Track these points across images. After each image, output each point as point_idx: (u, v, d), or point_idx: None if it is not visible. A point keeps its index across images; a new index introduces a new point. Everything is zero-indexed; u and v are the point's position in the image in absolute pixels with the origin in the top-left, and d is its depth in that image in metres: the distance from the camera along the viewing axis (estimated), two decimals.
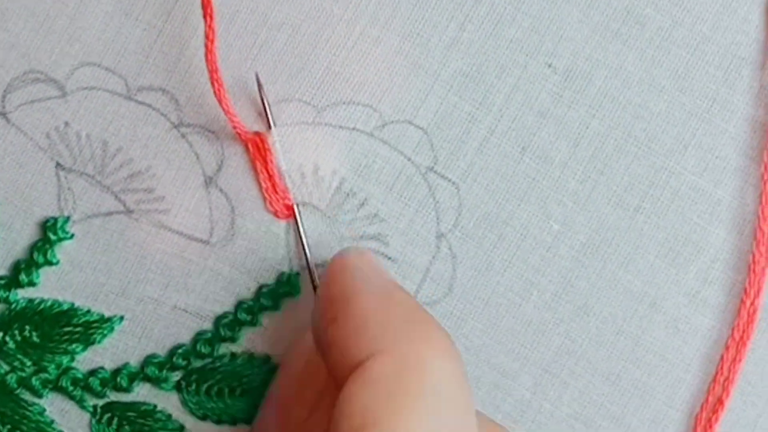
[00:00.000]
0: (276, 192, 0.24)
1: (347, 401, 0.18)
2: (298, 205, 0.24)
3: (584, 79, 0.24)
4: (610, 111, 0.24)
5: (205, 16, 0.23)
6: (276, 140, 0.24)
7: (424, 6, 0.24)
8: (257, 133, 0.24)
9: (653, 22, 0.24)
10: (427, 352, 0.18)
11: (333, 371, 0.19)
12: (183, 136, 0.24)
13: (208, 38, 0.23)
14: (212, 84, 0.23)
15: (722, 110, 0.24)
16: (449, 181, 0.24)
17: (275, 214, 0.24)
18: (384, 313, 0.19)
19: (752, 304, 0.24)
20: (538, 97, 0.24)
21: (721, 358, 0.24)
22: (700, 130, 0.24)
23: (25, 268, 0.24)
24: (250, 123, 0.24)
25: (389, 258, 0.24)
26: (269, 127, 0.24)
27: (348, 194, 0.24)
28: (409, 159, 0.24)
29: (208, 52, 0.23)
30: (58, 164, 0.24)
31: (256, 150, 0.24)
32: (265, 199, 0.24)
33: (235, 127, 0.23)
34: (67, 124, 0.24)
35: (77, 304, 0.24)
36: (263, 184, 0.24)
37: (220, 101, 0.23)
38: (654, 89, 0.24)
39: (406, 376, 0.18)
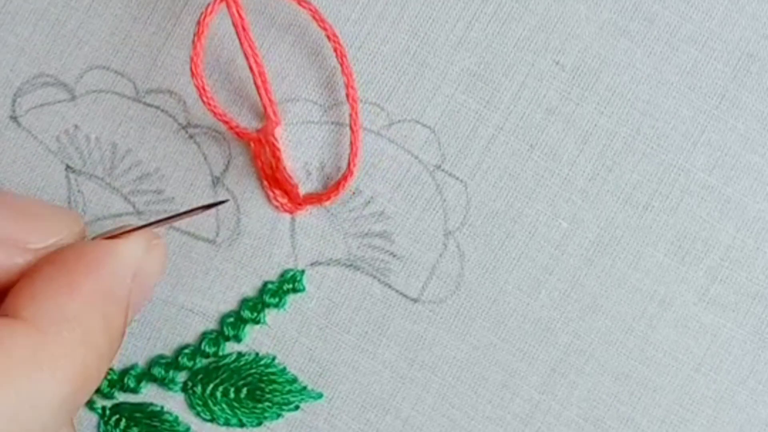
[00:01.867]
0: (280, 188, 0.24)
1: None
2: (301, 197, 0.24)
3: (592, 77, 0.24)
4: (618, 108, 0.24)
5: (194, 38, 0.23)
6: (281, 136, 0.24)
7: (431, 4, 0.24)
8: (259, 131, 0.24)
9: (661, 19, 0.24)
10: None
11: None
12: (191, 137, 0.24)
13: (195, 52, 0.23)
14: (199, 93, 0.23)
15: (731, 107, 0.24)
16: (457, 179, 0.24)
17: (280, 208, 0.24)
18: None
19: None
20: (546, 94, 0.24)
21: None
22: (709, 127, 0.24)
23: None
24: (259, 120, 0.24)
25: (395, 255, 0.24)
26: (275, 123, 0.24)
27: (354, 192, 0.24)
28: (416, 157, 0.24)
29: (193, 64, 0.23)
30: (68, 167, 0.24)
31: (259, 146, 0.24)
32: (270, 196, 0.24)
33: (230, 128, 0.23)
34: (76, 127, 0.24)
35: None
36: (267, 182, 0.24)
37: (210, 108, 0.23)
38: (662, 86, 0.24)
39: None
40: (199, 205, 0.22)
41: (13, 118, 0.24)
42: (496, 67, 0.24)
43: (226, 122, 0.23)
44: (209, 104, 0.23)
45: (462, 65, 0.24)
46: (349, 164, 0.23)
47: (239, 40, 0.23)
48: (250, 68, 0.23)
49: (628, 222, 0.24)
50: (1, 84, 0.24)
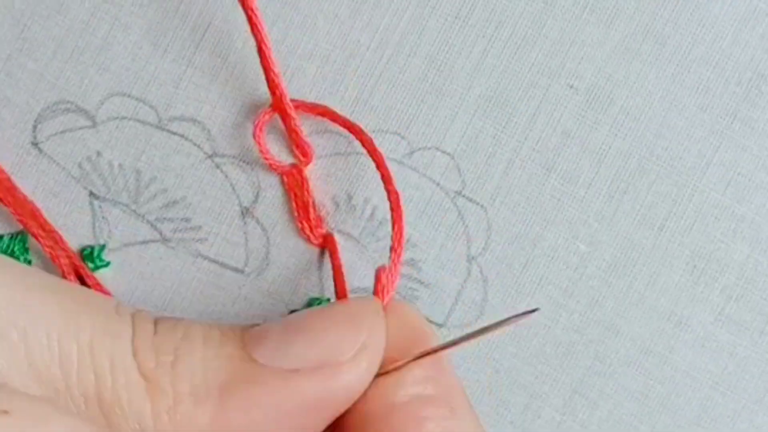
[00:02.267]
0: (310, 220, 0.24)
1: None
2: (332, 233, 0.24)
3: (606, 99, 0.24)
4: (632, 130, 0.24)
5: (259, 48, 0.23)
6: (311, 171, 0.24)
7: (447, 32, 0.24)
8: (293, 165, 0.24)
9: (673, 40, 0.24)
10: None
11: None
12: (217, 166, 0.24)
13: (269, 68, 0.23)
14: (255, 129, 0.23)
15: (743, 126, 0.24)
16: (477, 204, 0.24)
17: (308, 240, 0.24)
18: None
19: None
20: (561, 118, 0.24)
21: None
22: (722, 147, 0.24)
23: None
24: (286, 154, 0.24)
25: (422, 283, 0.24)
26: (305, 157, 0.24)
27: (381, 222, 0.24)
28: (437, 184, 0.24)
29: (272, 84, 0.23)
30: (91, 193, 0.24)
31: (292, 180, 0.24)
32: (299, 227, 0.24)
33: (269, 163, 0.24)
34: (99, 153, 0.24)
35: None
36: (297, 214, 0.24)
37: (257, 141, 0.23)
38: (675, 107, 0.24)
39: None
40: (509, 316, 0.20)
41: (35, 145, 0.24)
42: (511, 92, 0.24)
43: (269, 161, 0.23)
44: (260, 142, 0.23)
45: (478, 91, 0.24)
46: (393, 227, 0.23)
47: (268, 83, 0.23)
48: (284, 109, 0.23)
49: (644, 243, 0.24)
50: (22, 110, 0.24)
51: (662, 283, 0.24)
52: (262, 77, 0.24)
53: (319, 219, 0.24)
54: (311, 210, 0.24)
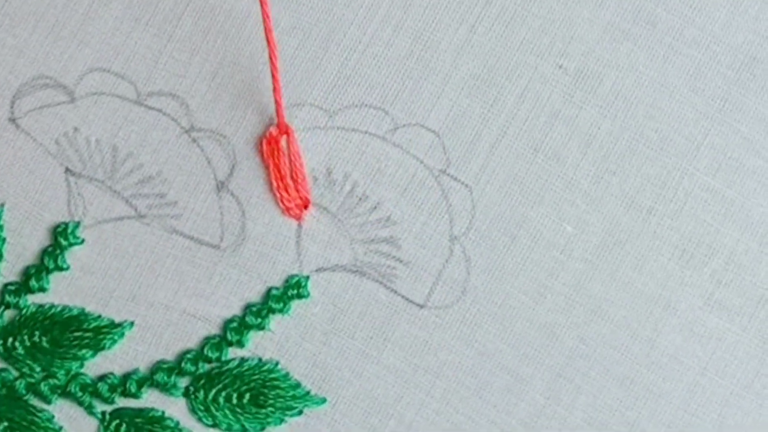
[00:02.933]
0: (288, 191, 0.23)
1: None
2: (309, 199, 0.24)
3: (595, 80, 0.24)
4: (621, 111, 0.24)
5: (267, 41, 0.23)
6: (293, 140, 0.24)
7: (434, 8, 0.24)
8: (271, 135, 0.24)
9: (664, 22, 0.24)
10: None
11: None
12: (194, 140, 0.24)
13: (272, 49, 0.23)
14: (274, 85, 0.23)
15: (734, 110, 0.24)
16: (462, 183, 0.24)
17: (287, 212, 0.24)
18: None
19: None
20: (549, 98, 0.24)
21: None
22: (712, 130, 0.24)
23: (36, 273, 0.24)
24: (262, 126, 0.24)
25: (401, 261, 0.24)
26: (284, 128, 0.24)
27: (360, 198, 0.24)
28: (421, 162, 0.24)
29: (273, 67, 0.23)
30: (67, 169, 0.24)
31: (270, 150, 0.24)
32: (277, 197, 0.24)
33: (280, 117, 0.23)
34: (76, 129, 0.24)
35: (88, 309, 0.24)
36: (276, 183, 0.24)
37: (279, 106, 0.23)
38: (665, 89, 0.24)
39: None
40: None
41: (12, 120, 0.24)
42: (499, 71, 0.24)
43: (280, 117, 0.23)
44: (276, 87, 0.22)
45: (465, 69, 0.24)
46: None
47: (268, 42, 0.23)
48: (274, 71, 0.23)
49: (632, 226, 0.24)
50: (0, 86, 0.24)
51: (650, 266, 0.24)
52: (243, 50, 0.23)
53: (299, 188, 0.23)
54: (290, 180, 0.23)
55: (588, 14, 0.24)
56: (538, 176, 0.24)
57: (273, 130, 0.24)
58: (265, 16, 0.23)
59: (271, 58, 0.23)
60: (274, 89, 0.23)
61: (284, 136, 0.24)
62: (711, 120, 0.24)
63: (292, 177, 0.24)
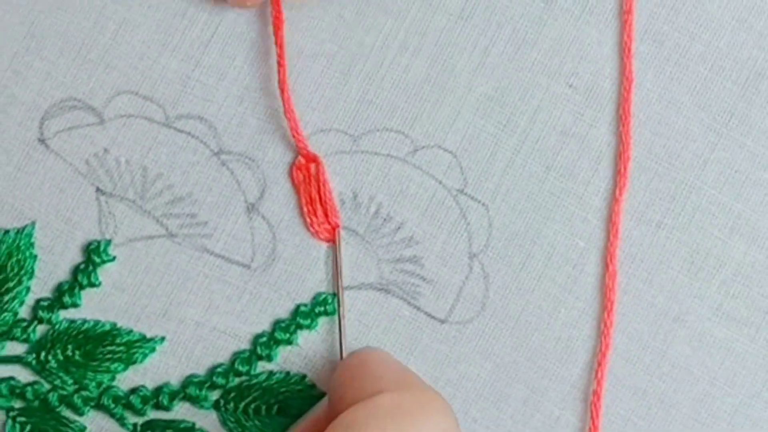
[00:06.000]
0: (317, 216, 0.24)
1: (344, 417, 0.18)
2: (339, 227, 0.24)
3: (604, 98, 0.24)
4: (630, 128, 0.24)
5: (279, 61, 0.23)
6: (322, 169, 0.24)
7: (450, 32, 0.25)
8: (302, 161, 0.24)
9: (671, 40, 0.24)
10: (429, 404, 0.18)
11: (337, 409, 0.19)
12: (223, 163, 0.25)
13: (282, 80, 0.23)
14: (287, 114, 0.23)
15: (740, 124, 0.24)
16: (479, 202, 0.25)
17: (316, 235, 0.24)
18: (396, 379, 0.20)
19: None
20: (560, 116, 0.25)
21: None
22: (719, 145, 0.24)
23: (68, 289, 0.25)
24: (290, 150, 0.25)
25: (424, 279, 0.25)
26: (312, 157, 0.24)
27: (385, 219, 0.25)
28: (440, 182, 0.25)
29: (283, 91, 0.23)
30: (98, 189, 0.25)
31: (301, 176, 0.24)
32: (307, 222, 0.24)
33: (301, 149, 0.24)
34: (106, 150, 0.25)
35: (119, 324, 0.25)
36: (306, 208, 0.24)
37: (294, 133, 0.23)
38: (673, 105, 0.24)
39: (408, 412, 0.18)
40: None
41: (42, 141, 0.25)
42: (512, 92, 0.24)
43: (301, 147, 0.24)
44: (291, 118, 0.23)
45: (480, 90, 0.25)
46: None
47: (279, 72, 0.23)
48: (285, 101, 0.23)
49: (642, 240, 0.24)
50: (29, 108, 0.24)
51: (660, 279, 0.24)
52: (270, 77, 0.24)
53: (328, 213, 0.24)
54: (320, 205, 0.24)
55: (597, 35, 0.24)
56: (551, 193, 0.25)
57: (302, 158, 0.24)
58: (279, 44, 0.23)
59: (282, 96, 0.23)
60: (291, 127, 0.24)
61: (313, 164, 0.24)
62: (717, 135, 0.24)
63: (321, 203, 0.24)
